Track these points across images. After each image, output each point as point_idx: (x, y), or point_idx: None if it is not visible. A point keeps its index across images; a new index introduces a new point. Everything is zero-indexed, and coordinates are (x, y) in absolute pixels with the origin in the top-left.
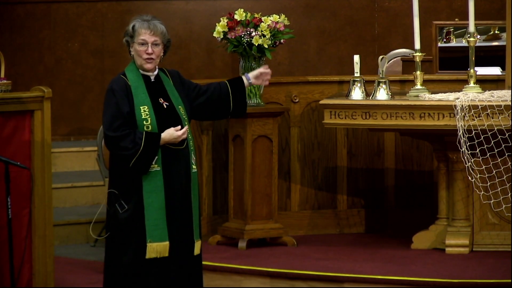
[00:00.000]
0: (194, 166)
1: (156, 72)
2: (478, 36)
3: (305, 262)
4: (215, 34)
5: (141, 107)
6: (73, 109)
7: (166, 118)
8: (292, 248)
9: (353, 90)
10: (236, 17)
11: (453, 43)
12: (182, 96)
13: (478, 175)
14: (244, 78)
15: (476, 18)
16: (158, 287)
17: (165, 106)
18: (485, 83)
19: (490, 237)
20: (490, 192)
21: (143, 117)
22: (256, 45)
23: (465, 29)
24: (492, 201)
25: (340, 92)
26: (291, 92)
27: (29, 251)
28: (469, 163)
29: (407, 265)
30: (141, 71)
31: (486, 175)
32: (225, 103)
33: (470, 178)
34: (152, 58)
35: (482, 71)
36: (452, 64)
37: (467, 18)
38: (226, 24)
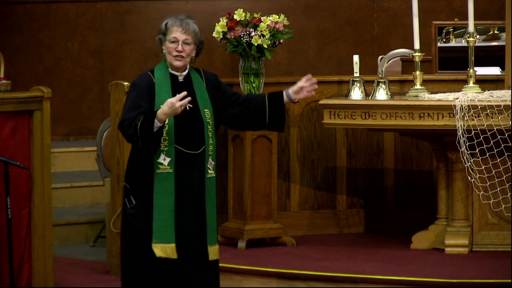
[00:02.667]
0: (210, 171)
1: (185, 72)
2: (478, 36)
3: (305, 262)
4: (214, 34)
5: (161, 106)
6: (73, 109)
7: (186, 120)
8: (291, 248)
9: (352, 90)
10: (235, 17)
11: (453, 43)
12: (213, 100)
13: (478, 175)
14: (284, 94)
15: (475, 18)
16: None
17: (187, 108)
18: (485, 83)
19: (489, 237)
20: (490, 192)
21: None
22: (256, 45)
23: (464, 29)
24: (491, 201)
25: (340, 92)
26: None
27: (28, 251)
28: (469, 163)
29: (406, 265)
30: (170, 70)
31: (486, 175)
32: (260, 118)
33: (469, 178)
34: (182, 56)
35: (482, 71)
36: (451, 64)
37: (466, 18)
38: (225, 24)
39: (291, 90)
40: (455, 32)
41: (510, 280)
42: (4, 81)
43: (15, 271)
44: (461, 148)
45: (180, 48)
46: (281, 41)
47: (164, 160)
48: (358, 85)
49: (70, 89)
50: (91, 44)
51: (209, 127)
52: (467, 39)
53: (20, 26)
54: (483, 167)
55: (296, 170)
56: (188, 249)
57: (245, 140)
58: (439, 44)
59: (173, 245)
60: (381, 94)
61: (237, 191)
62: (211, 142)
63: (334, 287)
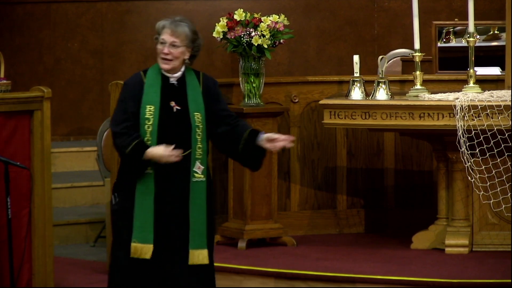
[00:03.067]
0: (198, 175)
1: (178, 74)
2: (478, 36)
3: (305, 262)
4: (214, 34)
5: (148, 106)
6: (73, 109)
7: (173, 122)
8: (291, 248)
9: (352, 90)
10: (235, 17)
11: (453, 43)
12: (207, 105)
13: (478, 175)
14: (259, 135)
15: (475, 18)
16: None
17: (175, 110)
18: (485, 83)
19: (489, 237)
20: (490, 192)
21: (146, 116)
22: (256, 45)
23: (464, 29)
24: (491, 201)
25: (340, 92)
26: (290, 92)
27: (28, 251)
28: (469, 163)
29: (406, 265)
30: (162, 71)
31: (486, 175)
32: (235, 147)
33: (469, 178)
34: (167, 59)
35: (482, 71)
36: (451, 64)
37: (466, 18)
38: (225, 24)
39: (266, 135)
40: (455, 30)
41: (510, 280)
42: (4, 81)
43: (15, 271)
44: (461, 148)
45: (166, 50)
46: (281, 41)
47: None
48: (358, 85)
49: (70, 89)
50: (91, 44)
51: (198, 130)
52: (467, 39)
53: (20, 26)
54: (483, 167)
55: (296, 170)
56: (167, 251)
57: None
58: (439, 44)
59: (151, 245)
60: (381, 94)
61: (237, 191)
62: (199, 146)
63: (334, 287)
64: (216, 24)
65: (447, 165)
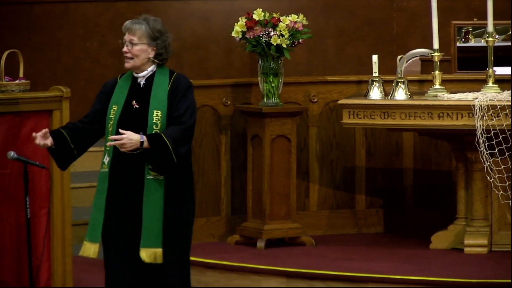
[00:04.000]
0: (153, 173)
1: (145, 73)
2: (497, 36)
3: (323, 262)
4: (233, 34)
5: (113, 106)
6: None
7: (132, 120)
8: (310, 248)
9: (371, 90)
10: (254, 16)
11: (472, 43)
12: (170, 103)
13: (497, 175)
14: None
15: (494, 18)
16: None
17: (133, 109)
18: (504, 83)
19: (508, 237)
20: (509, 192)
21: (110, 115)
22: (275, 44)
23: (483, 29)
24: (510, 201)
25: (359, 92)
26: (309, 92)
27: (47, 250)
28: (488, 163)
29: (425, 265)
30: (133, 73)
31: (505, 175)
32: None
33: (488, 178)
34: (127, 57)
35: (501, 70)
36: (470, 64)
37: (485, 18)
38: (244, 24)
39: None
40: (474, 32)
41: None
42: (23, 81)
43: (34, 271)
44: (480, 148)
45: (125, 48)
46: (300, 40)
47: (106, 160)
48: (377, 85)
49: (89, 88)
50: (110, 43)
51: (155, 128)
52: (486, 39)
53: (39, 26)
54: (502, 167)
55: (315, 170)
56: (116, 249)
57: (264, 140)
58: (458, 44)
59: (97, 244)
60: (400, 94)
61: (256, 191)
62: None
63: (352, 287)
64: (235, 23)
65: (466, 165)
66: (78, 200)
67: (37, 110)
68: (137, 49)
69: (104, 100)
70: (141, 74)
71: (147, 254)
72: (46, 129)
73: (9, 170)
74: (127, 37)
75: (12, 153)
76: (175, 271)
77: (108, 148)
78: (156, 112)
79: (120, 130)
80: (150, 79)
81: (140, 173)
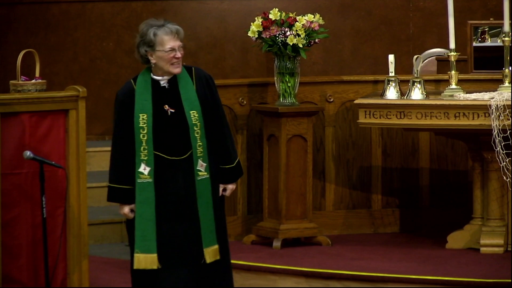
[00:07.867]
0: (202, 173)
1: (168, 76)
2: None
3: (340, 261)
4: (249, 34)
5: (140, 115)
6: (108, 108)
7: (168, 127)
8: (326, 247)
9: (387, 90)
10: (270, 16)
11: (488, 42)
12: (202, 100)
13: None
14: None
15: (511, 18)
16: None
17: (169, 113)
18: None
19: None
20: None
21: (140, 125)
22: (291, 44)
23: (500, 29)
24: None
25: (375, 91)
26: (325, 92)
27: (63, 250)
28: (504, 163)
29: (441, 265)
30: (152, 76)
31: None
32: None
33: (505, 177)
34: (178, 63)
35: None
36: (487, 63)
37: (502, 18)
38: (260, 23)
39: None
40: (490, 32)
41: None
42: (40, 80)
43: (50, 270)
44: (496, 148)
45: (179, 54)
46: (316, 40)
47: (144, 170)
48: (393, 84)
49: (106, 88)
50: (127, 43)
51: (196, 129)
52: (503, 38)
53: (56, 26)
54: None
55: (331, 170)
56: (176, 257)
57: (280, 140)
58: (474, 44)
59: (155, 255)
60: (416, 94)
61: (272, 191)
62: (200, 144)
63: (369, 287)
64: (251, 23)
65: (482, 165)
66: (94, 200)
67: (53, 109)
68: (182, 52)
69: (129, 113)
70: (166, 77)
71: (209, 254)
72: (132, 208)
73: (26, 170)
74: (175, 43)
75: (28, 153)
76: (226, 267)
77: (146, 158)
78: (193, 113)
79: (222, 192)
80: (171, 80)
81: (190, 176)
